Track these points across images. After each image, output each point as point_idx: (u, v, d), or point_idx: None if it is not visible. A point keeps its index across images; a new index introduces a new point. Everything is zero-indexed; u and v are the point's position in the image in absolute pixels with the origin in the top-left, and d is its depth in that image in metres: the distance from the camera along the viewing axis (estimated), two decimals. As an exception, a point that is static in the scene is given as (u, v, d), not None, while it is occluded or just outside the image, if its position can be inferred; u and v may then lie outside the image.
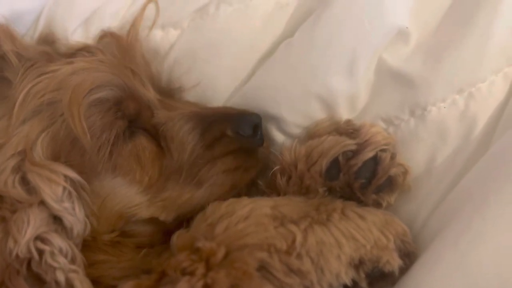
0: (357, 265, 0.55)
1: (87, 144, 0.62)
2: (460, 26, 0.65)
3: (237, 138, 0.69)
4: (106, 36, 0.76)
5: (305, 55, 0.70)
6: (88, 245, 0.62)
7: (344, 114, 0.69)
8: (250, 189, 0.70)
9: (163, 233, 0.67)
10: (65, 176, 0.61)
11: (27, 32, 0.82)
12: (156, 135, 0.68)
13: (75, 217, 0.60)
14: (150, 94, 0.71)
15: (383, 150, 0.63)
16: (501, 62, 0.63)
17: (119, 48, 0.73)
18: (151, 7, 0.80)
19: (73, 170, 0.62)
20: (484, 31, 0.63)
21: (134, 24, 0.77)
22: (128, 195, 0.65)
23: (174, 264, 0.52)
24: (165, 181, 0.66)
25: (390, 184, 0.64)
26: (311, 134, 0.69)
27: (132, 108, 0.67)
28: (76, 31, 0.80)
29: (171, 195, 0.66)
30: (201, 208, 0.61)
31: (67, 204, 0.60)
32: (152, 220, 0.67)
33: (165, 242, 0.61)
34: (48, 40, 0.77)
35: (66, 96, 0.63)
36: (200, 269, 0.51)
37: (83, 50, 0.72)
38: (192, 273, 0.51)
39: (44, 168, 0.60)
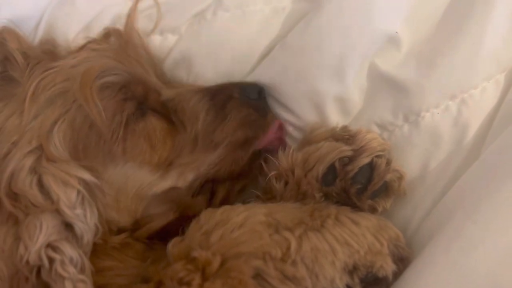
0: (351, 270, 0.56)
1: (102, 125, 0.63)
2: (452, 33, 0.65)
3: (245, 100, 0.71)
4: (110, 35, 0.78)
5: (295, 57, 0.71)
6: (95, 249, 0.63)
7: (337, 118, 0.70)
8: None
9: (179, 213, 0.68)
10: (79, 179, 0.62)
11: (28, 37, 0.82)
12: (166, 112, 0.69)
13: (86, 225, 0.61)
14: (154, 78, 0.73)
15: (378, 156, 0.64)
16: (493, 69, 0.63)
17: (120, 40, 0.75)
18: (152, 11, 0.81)
19: (89, 163, 0.63)
20: (476, 38, 0.63)
21: (129, 15, 0.78)
22: (139, 177, 0.66)
23: (171, 274, 0.53)
24: (179, 153, 0.68)
25: (386, 190, 0.64)
26: (308, 140, 0.69)
27: (140, 90, 0.68)
28: (77, 37, 0.80)
29: (185, 162, 0.68)
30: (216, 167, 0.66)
31: (79, 211, 0.61)
32: (170, 194, 0.68)
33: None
34: (46, 45, 0.77)
35: (77, 82, 0.64)
36: (197, 279, 0.52)
37: (84, 46, 0.74)
38: (188, 284, 0.52)
39: (60, 169, 0.61)
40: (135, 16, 0.79)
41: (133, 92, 0.67)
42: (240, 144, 0.69)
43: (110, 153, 0.65)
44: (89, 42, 0.75)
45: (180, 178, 0.68)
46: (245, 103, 0.71)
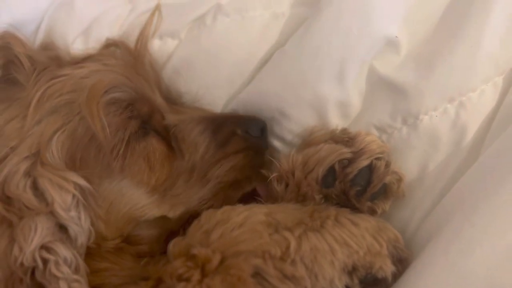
0: (351, 271, 0.56)
1: (104, 140, 0.63)
2: (451, 36, 0.65)
3: (246, 138, 0.71)
4: (113, 45, 0.78)
5: (296, 63, 0.72)
6: (90, 252, 0.63)
7: (337, 121, 0.71)
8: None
9: (166, 238, 0.67)
10: (75, 184, 0.62)
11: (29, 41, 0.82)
12: (166, 137, 0.70)
13: (80, 227, 0.61)
14: (159, 99, 0.73)
15: (378, 158, 0.64)
16: (491, 71, 0.63)
17: (128, 56, 0.75)
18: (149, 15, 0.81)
19: (85, 173, 0.63)
20: (474, 41, 0.64)
21: (143, 33, 0.78)
22: (134, 196, 0.66)
23: (170, 271, 0.54)
24: (174, 180, 0.68)
25: (385, 192, 0.64)
26: (308, 142, 0.70)
27: (145, 109, 0.68)
28: (76, 40, 0.81)
29: (179, 193, 0.68)
30: (207, 203, 0.66)
31: (73, 213, 0.61)
32: (159, 222, 0.68)
33: (166, 251, 0.62)
34: (48, 49, 0.78)
35: (84, 95, 0.64)
36: (196, 275, 0.52)
37: (91, 57, 0.74)
38: (188, 280, 0.52)
39: (55, 173, 0.61)
40: (148, 33, 0.79)
41: (139, 111, 0.68)
42: (232, 185, 0.70)
43: (108, 168, 0.65)
44: (95, 54, 0.75)
45: (171, 210, 0.68)
46: (246, 142, 0.71)
